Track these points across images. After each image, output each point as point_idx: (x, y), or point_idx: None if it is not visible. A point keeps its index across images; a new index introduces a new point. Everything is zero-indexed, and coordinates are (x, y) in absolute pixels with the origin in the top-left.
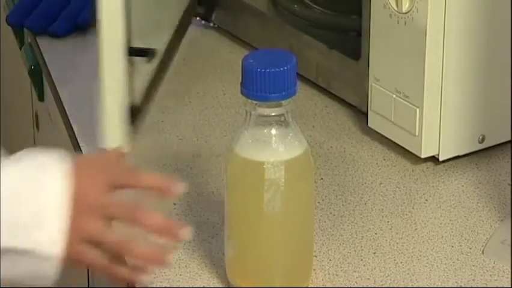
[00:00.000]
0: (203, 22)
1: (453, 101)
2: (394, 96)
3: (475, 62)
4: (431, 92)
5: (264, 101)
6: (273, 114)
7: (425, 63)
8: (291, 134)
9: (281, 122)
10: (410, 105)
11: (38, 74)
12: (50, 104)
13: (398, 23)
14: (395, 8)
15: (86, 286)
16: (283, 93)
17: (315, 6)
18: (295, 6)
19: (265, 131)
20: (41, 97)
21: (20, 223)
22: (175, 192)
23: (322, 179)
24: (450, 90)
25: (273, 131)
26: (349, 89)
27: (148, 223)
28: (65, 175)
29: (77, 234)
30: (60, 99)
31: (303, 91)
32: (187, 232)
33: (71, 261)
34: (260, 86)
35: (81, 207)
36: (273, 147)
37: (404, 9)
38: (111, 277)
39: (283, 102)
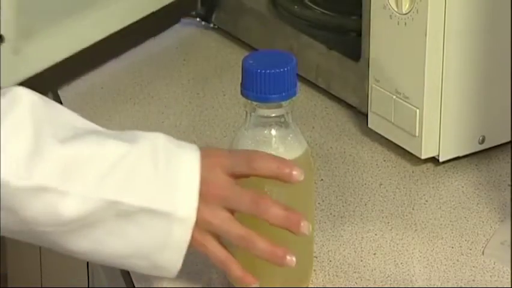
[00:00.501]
0: (203, 23)
1: (453, 102)
2: (394, 97)
3: (475, 63)
4: (431, 93)
5: (264, 102)
6: (273, 115)
7: (425, 64)
8: (291, 135)
9: (281, 122)
10: (410, 106)
11: None
12: None
13: (398, 23)
14: (395, 9)
15: (86, 286)
16: (283, 94)
17: (315, 7)
18: (295, 7)
19: (265, 131)
20: None
21: (159, 187)
22: (295, 179)
23: (322, 179)
24: (450, 91)
25: (273, 132)
26: (349, 90)
27: (270, 214)
28: (197, 160)
29: (202, 225)
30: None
31: (303, 92)
32: (307, 226)
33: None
34: (260, 87)
35: (206, 198)
36: (273, 148)
37: (404, 10)
38: (227, 272)
39: (283, 103)
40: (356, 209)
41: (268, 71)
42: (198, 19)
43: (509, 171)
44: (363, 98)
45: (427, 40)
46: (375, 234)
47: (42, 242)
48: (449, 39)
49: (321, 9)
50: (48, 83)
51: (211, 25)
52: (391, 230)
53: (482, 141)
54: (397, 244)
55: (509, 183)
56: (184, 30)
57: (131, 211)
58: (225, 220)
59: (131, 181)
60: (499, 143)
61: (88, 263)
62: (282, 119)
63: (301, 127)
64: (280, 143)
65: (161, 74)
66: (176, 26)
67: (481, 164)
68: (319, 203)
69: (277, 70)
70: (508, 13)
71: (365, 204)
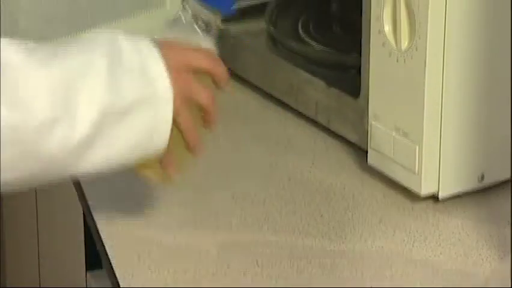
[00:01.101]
0: None
1: (452, 139)
2: (394, 133)
3: (474, 100)
4: (431, 129)
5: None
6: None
7: (425, 101)
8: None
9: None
10: (410, 143)
11: None
12: None
13: (397, 61)
14: (394, 46)
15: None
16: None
17: (315, 44)
18: (295, 43)
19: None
20: None
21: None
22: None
23: (322, 215)
24: (449, 127)
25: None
26: (349, 127)
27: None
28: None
29: (180, 93)
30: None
31: (302, 128)
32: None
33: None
34: None
35: (177, 68)
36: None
37: (403, 48)
38: (190, 140)
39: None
40: (355, 245)
41: None
42: None
43: (509, 208)
44: (362, 134)
45: (426, 77)
46: (375, 271)
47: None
48: (448, 77)
49: (321, 46)
50: None
51: None
52: (391, 266)
53: (482, 179)
54: (397, 281)
55: (509, 220)
56: None
57: (126, 110)
58: (197, 87)
59: (114, 86)
60: (498, 180)
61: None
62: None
63: (301, 163)
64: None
65: None
66: None
67: (480, 201)
68: (319, 239)
69: None
70: (507, 50)
71: (365, 241)
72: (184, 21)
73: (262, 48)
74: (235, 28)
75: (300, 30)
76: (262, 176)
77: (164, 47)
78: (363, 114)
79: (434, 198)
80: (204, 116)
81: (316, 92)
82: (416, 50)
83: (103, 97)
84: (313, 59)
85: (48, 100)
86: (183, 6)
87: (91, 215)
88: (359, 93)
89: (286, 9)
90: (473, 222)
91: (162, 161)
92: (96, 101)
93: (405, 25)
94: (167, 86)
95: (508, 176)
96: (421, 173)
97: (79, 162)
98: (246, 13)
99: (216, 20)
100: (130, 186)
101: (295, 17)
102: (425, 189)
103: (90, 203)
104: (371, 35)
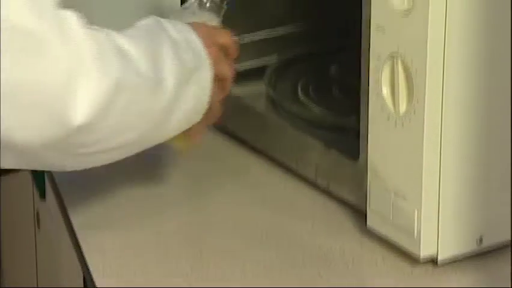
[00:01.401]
0: None
1: (451, 202)
2: (393, 197)
3: (473, 163)
4: (430, 193)
5: None
6: None
7: (423, 165)
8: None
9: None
10: (409, 206)
11: (39, 172)
12: (51, 203)
13: (395, 125)
14: (393, 110)
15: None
16: None
17: (314, 106)
18: (294, 106)
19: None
20: (42, 195)
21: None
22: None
23: (322, 277)
24: (448, 191)
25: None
26: (348, 189)
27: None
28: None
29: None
30: (61, 198)
31: (302, 190)
32: None
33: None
34: None
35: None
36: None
37: (401, 111)
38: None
39: None
40: None
41: None
42: None
43: (509, 272)
44: (362, 197)
45: (424, 141)
46: None
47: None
48: (446, 141)
49: (320, 109)
50: None
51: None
52: None
53: (480, 241)
54: None
55: (509, 285)
56: None
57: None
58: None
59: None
60: (497, 243)
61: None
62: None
63: (300, 226)
64: None
65: (157, 172)
66: None
67: (479, 265)
68: None
69: None
70: (505, 109)
71: None
72: (194, 6)
73: (262, 111)
74: (235, 90)
75: (300, 93)
76: (262, 238)
77: (193, 27)
78: (362, 177)
79: (433, 261)
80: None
81: (316, 154)
82: (414, 113)
83: (177, 65)
84: (313, 121)
85: (149, 66)
86: None
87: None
88: (359, 156)
89: (286, 72)
90: (472, 286)
91: (191, 129)
92: (173, 70)
93: (403, 89)
94: (207, 57)
95: (507, 238)
96: (420, 236)
97: (165, 125)
98: (245, 75)
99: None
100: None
101: (294, 80)
102: (424, 252)
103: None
104: (369, 98)
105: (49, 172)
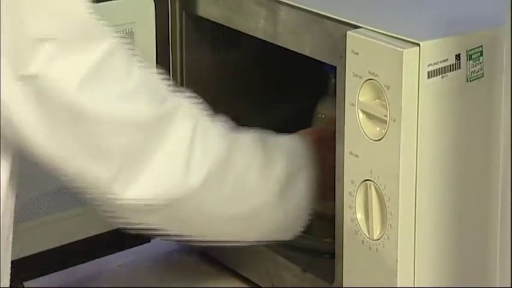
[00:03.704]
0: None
1: None
2: None
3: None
4: None
5: None
6: None
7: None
8: None
9: None
10: None
11: None
12: None
13: (370, 249)
14: (367, 235)
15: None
16: None
17: None
18: None
19: None
20: None
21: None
22: None
23: None
24: None
25: None
26: None
27: None
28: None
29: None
30: None
31: None
32: None
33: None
34: None
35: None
36: None
37: (375, 236)
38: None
39: None
40: None
41: None
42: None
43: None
44: None
45: (398, 267)
46: None
47: None
48: (419, 266)
49: None
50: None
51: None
52: None
53: None
54: None
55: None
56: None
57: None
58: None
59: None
60: None
61: None
62: None
63: None
64: None
65: None
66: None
67: None
68: None
69: None
70: (480, 234)
71: None
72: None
73: None
74: None
75: None
76: None
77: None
78: None
79: None
80: None
81: (291, 276)
82: (388, 239)
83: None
84: (288, 244)
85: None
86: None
87: None
88: (334, 279)
89: None
90: None
91: None
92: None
93: (377, 214)
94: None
95: None
96: None
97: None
98: None
99: None
100: None
101: None
102: None
103: None
104: (344, 223)
105: None
